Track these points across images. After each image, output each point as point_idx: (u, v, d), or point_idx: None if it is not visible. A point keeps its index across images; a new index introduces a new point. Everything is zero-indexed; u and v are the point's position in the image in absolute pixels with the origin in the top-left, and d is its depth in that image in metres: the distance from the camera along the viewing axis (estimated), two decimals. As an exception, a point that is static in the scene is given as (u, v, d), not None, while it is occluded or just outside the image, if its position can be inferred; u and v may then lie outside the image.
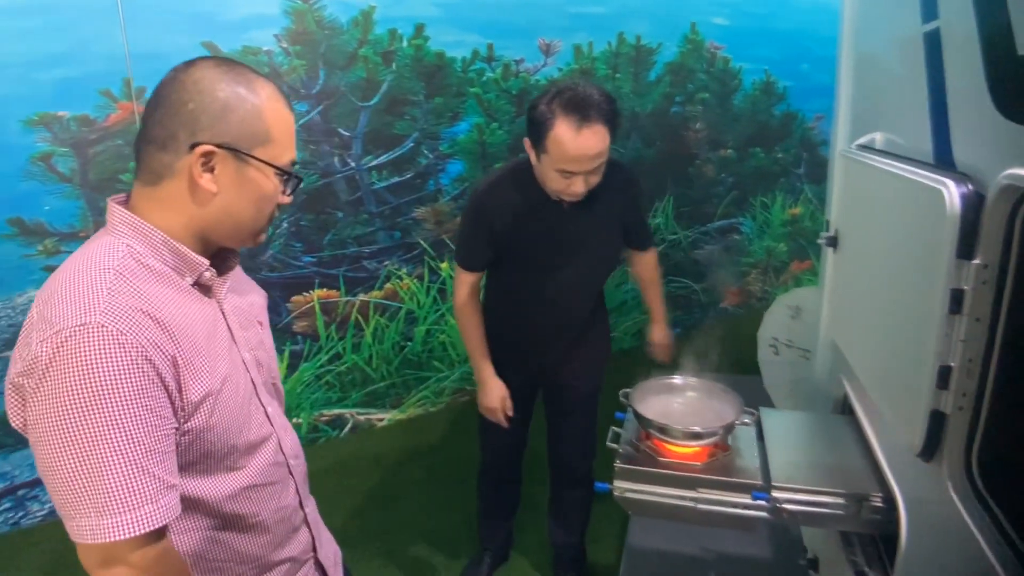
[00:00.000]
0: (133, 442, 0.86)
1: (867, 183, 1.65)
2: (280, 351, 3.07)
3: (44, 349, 0.85)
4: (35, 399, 0.86)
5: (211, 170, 0.95)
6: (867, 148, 1.74)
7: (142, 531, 0.87)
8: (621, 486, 1.60)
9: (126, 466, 0.86)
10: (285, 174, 1.01)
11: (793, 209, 4.63)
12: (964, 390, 1.18)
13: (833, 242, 1.93)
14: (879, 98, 1.80)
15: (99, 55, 2.47)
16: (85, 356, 0.84)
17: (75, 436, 0.84)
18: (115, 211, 0.97)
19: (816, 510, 1.53)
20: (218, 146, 0.94)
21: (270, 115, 0.97)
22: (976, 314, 1.15)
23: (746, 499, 1.54)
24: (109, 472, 0.85)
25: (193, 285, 1.00)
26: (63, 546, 2.59)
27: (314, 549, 1.23)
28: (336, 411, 3.27)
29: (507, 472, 2.31)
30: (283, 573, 1.14)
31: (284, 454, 1.14)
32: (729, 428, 1.66)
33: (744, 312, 4.63)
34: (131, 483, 0.86)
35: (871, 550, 1.61)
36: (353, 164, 3.05)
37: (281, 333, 3.06)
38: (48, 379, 0.85)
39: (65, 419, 0.84)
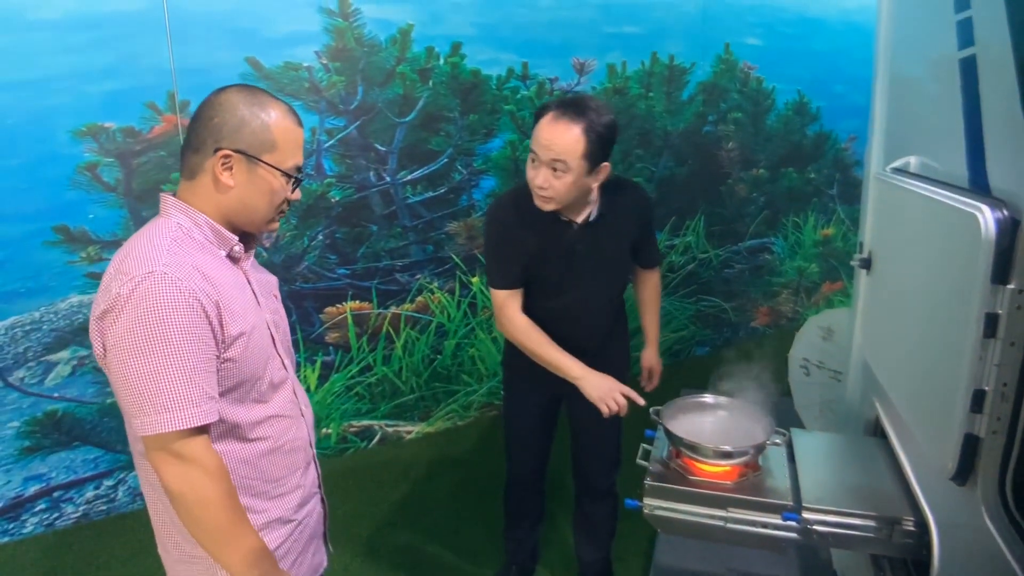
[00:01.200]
0: (184, 359, 1.13)
1: (902, 206, 1.65)
2: (312, 361, 3.12)
3: (122, 290, 1.12)
4: (114, 328, 1.13)
5: (229, 169, 1.23)
6: (902, 171, 1.74)
7: (187, 426, 1.14)
8: (651, 503, 1.61)
9: (178, 376, 1.13)
10: (287, 175, 1.27)
11: (825, 230, 4.60)
12: (998, 414, 1.18)
13: (867, 264, 1.92)
14: (914, 121, 1.80)
15: (146, 69, 2.55)
16: (152, 294, 1.12)
17: (142, 352, 1.12)
18: (167, 199, 1.26)
19: (847, 532, 1.52)
20: (234, 151, 1.22)
21: (277, 129, 1.24)
22: (1011, 338, 1.15)
23: (776, 519, 1.54)
24: (165, 380, 1.12)
25: (226, 257, 1.28)
26: (96, 548, 2.66)
27: (319, 486, 1.49)
28: (365, 422, 3.31)
29: (532, 484, 2.31)
30: (298, 497, 1.39)
31: (297, 397, 1.41)
32: (760, 448, 1.66)
33: (775, 332, 4.60)
34: (181, 389, 1.13)
35: (902, 574, 1.60)
36: (388, 179, 3.10)
37: (313, 344, 3.11)
38: (125, 312, 1.12)
39: (136, 340, 1.11)
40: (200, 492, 1.17)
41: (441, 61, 3.08)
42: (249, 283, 1.32)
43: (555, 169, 1.73)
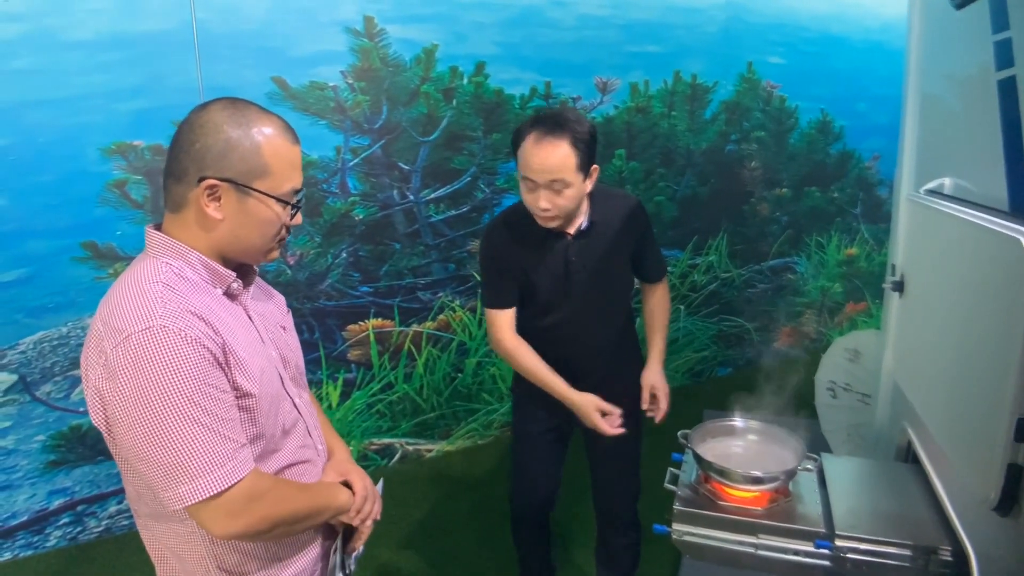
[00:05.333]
0: (206, 414, 1.02)
1: (937, 229, 1.63)
2: (334, 379, 3.12)
3: (118, 352, 1.00)
4: (117, 396, 1.01)
5: (217, 200, 1.09)
6: (936, 193, 1.72)
7: (227, 486, 1.04)
8: (680, 529, 1.58)
9: (205, 434, 1.02)
10: (284, 202, 1.14)
11: (849, 249, 4.56)
12: (1043, 444, 1.15)
13: (899, 287, 1.90)
14: (948, 142, 1.78)
15: (174, 88, 2.58)
16: (154, 351, 1.00)
17: (157, 417, 1.00)
18: (153, 236, 1.13)
19: (881, 561, 1.48)
20: (221, 179, 1.08)
21: (268, 151, 1.10)
22: (1056, 366, 1.13)
23: (808, 547, 1.51)
24: (192, 442, 1.01)
25: (223, 294, 1.16)
26: (118, 562, 2.67)
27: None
28: (386, 440, 3.30)
29: (534, 516, 2.22)
30: (318, 548, 1.30)
31: (312, 438, 1.30)
32: (791, 474, 1.63)
33: (798, 353, 4.55)
34: (212, 447, 1.03)
35: (938, 606, 1.56)
36: (412, 197, 3.12)
37: (335, 361, 3.11)
38: (126, 376, 1.00)
39: (147, 407, 1.00)
40: (260, 523, 1.10)
41: (465, 81, 3.10)
42: (251, 319, 1.20)
43: (555, 189, 1.74)
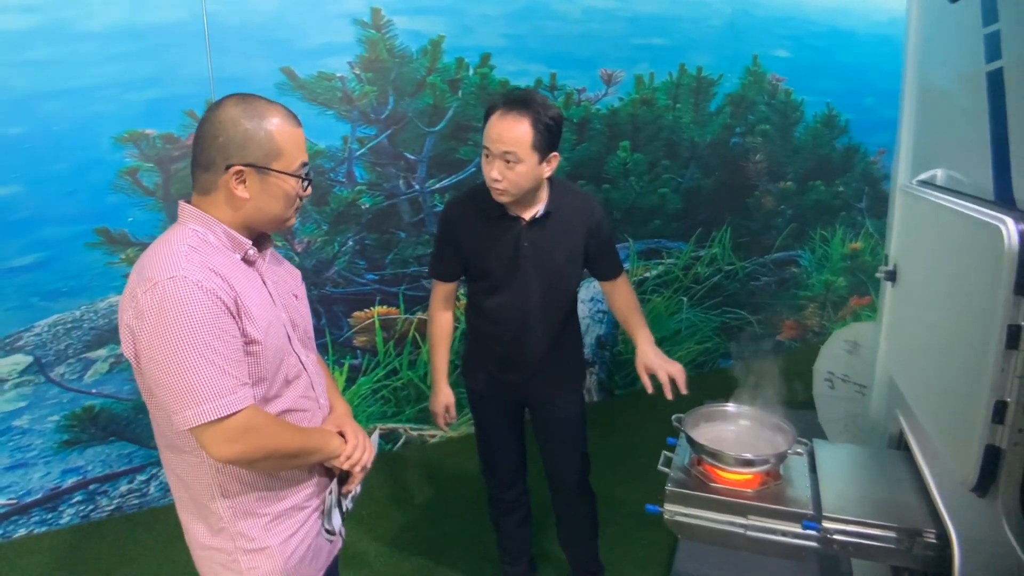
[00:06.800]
0: (215, 352, 1.19)
1: (927, 218, 1.65)
2: (340, 364, 3.18)
3: (147, 296, 1.18)
4: (144, 333, 1.19)
5: (243, 182, 1.28)
6: (928, 184, 1.75)
7: (225, 413, 1.20)
8: (671, 509, 1.62)
9: (211, 369, 1.19)
10: (297, 176, 1.33)
11: (854, 243, 4.58)
12: (1020, 425, 1.18)
13: (892, 276, 1.93)
14: (941, 134, 1.81)
15: (185, 78, 2.64)
16: (176, 296, 1.17)
17: (174, 351, 1.17)
18: (185, 208, 1.32)
19: (867, 543, 1.52)
20: (245, 165, 1.27)
21: (279, 136, 1.29)
22: (1033, 350, 1.16)
23: (796, 528, 1.54)
24: (199, 374, 1.18)
25: (241, 260, 1.33)
26: (128, 539, 2.74)
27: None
28: (391, 425, 3.36)
29: (513, 496, 2.30)
30: (312, 485, 1.44)
31: (315, 392, 1.46)
32: (781, 457, 1.66)
33: (800, 346, 4.58)
34: (216, 380, 1.19)
35: (923, 587, 1.60)
36: (417, 187, 3.16)
37: (341, 347, 3.17)
38: (152, 315, 1.18)
39: (167, 341, 1.17)
40: (254, 452, 1.25)
41: (471, 72, 3.14)
42: (265, 284, 1.37)
43: (507, 161, 1.81)
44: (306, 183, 1.36)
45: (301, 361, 1.42)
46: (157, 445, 1.38)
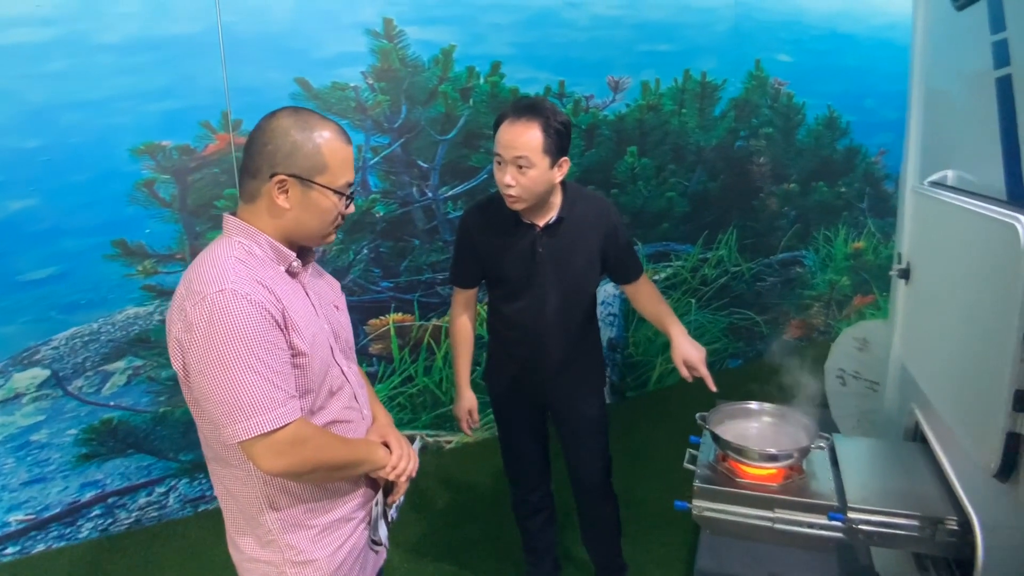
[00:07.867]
0: (264, 365, 1.20)
1: (940, 218, 1.70)
2: (356, 371, 3.20)
3: (196, 309, 1.18)
4: (193, 346, 1.19)
5: (285, 192, 1.28)
6: (939, 184, 1.80)
7: (276, 427, 1.20)
8: (700, 505, 1.66)
9: (260, 382, 1.19)
10: (340, 193, 1.33)
11: (856, 243, 4.63)
12: (1040, 413, 1.22)
13: (905, 274, 1.97)
14: (950, 137, 1.86)
15: (201, 89, 2.66)
16: (225, 309, 1.18)
17: (224, 365, 1.18)
18: (229, 220, 1.32)
19: (891, 531, 1.56)
20: (289, 175, 1.27)
21: (327, 151, 1.29)
22: (1051, 341, 1.20)
23: (822, 519, 1.58)
24: (248, 387, 1.18)
25: (285, 271, 1.33)
26: (148, 553, 2.73)
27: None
28: (407, 432, 3.37)
29: (538, 497, 2.34)
30: (360, 496, 1.45)
31: (358, 403, 1.47)
32: (804, 451, 1.71)
33: (806, 345, 4.62)
34: (265, 393, 1.20)
35: (945, 574, 1.64)
36: (431, 194, 3.20)
37: (357, 355, 3.16)
38: (201, 329, 1.18)
39: (216, 354, 1.18)
40: (302, 465, 1.26)
41: (481, 80, 3.18)
42: (308, 296, 1.37)
43: (520, 167, 1.84)
44: (348, 201, 1.36)
45: (344, 372, 1.43)
46: (204, 457, 1.39)
